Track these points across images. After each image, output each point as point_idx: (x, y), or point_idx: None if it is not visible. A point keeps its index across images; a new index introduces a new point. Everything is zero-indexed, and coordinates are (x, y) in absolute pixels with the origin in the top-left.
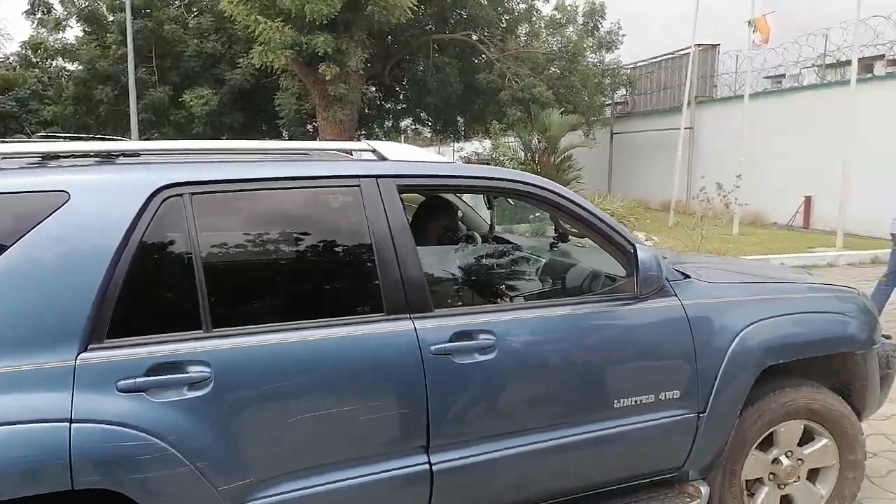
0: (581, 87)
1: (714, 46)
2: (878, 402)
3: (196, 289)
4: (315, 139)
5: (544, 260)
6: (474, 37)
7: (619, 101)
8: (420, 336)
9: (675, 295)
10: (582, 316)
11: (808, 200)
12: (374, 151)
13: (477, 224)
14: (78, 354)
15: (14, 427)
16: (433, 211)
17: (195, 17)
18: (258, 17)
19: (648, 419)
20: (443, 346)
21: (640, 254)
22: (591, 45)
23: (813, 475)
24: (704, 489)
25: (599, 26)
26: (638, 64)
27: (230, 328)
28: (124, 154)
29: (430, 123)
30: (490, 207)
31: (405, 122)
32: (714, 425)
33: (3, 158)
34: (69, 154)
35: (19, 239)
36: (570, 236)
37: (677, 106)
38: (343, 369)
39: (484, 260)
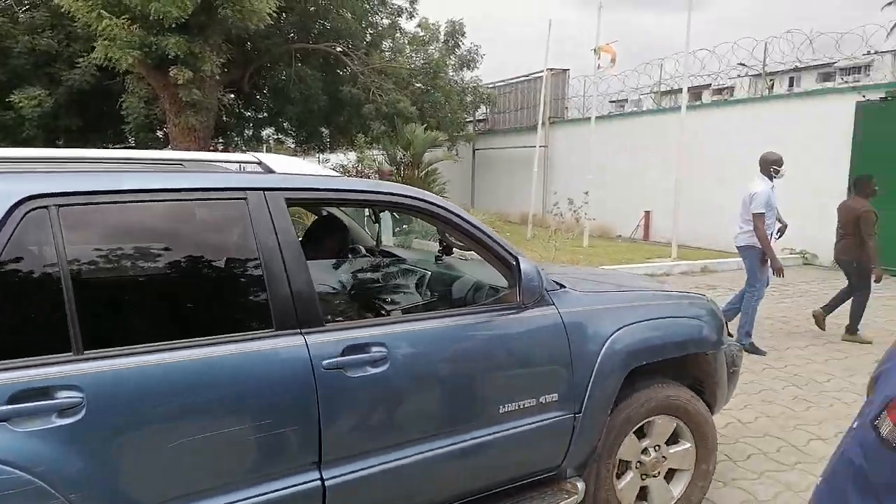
0: (444, 104)
1: (564, 71)
2: (726, 398)
3: (65, 308)
4: (166, 146)
5: (431, 272)
6: (338, 49)
7: (480, 118)
8: (312, 351)
9: (553, 304)
10: (469, 326)
11: (647, 215)
12: (260, 163)
13: (362, 239)
14: None
15: None
16: (325, 227)
17: (27, 11)
18: (102, 12)
19: (530, 422)
20: (335, 360)
21: (522, 265)
22: (452, 62)
23: (670, 475)
24: (581, 485)
25: (460, 44)
26: (497, 84)
27: (104, 349)
28: None
29: (293, 134)
30: (376, 221)
31: (267, 132)
32: (588, 425)
33: None
34: None
35: None
36: (453, 249)
37: (533, 125)
38: (230, 388)
39: (373, 273)
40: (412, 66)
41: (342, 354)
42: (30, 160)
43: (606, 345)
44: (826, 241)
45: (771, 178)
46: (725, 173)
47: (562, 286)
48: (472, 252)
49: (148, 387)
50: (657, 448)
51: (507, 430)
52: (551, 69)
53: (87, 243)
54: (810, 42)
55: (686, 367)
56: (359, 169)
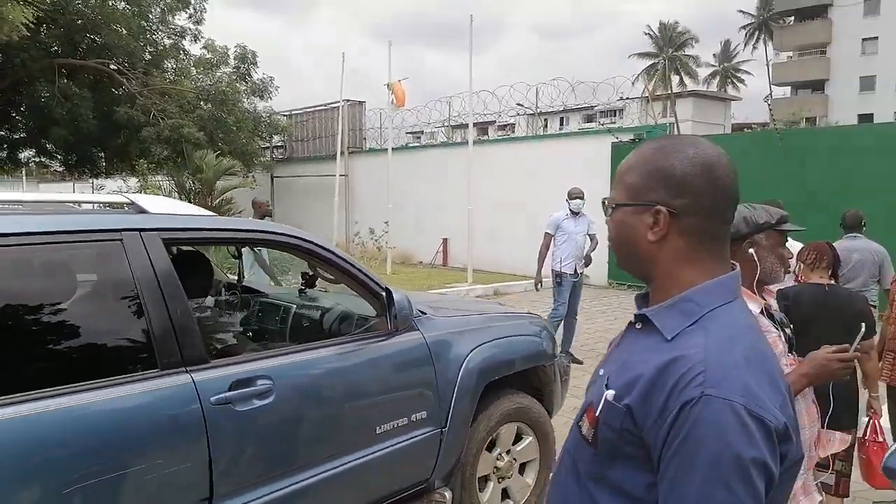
0: (237, 130)
1: (361, 103)
2: (560, 403)
3: None
4: None
5: (301, 305)
6: (112, 66)
7: (277, 144)
8: (199, 388)
9: (418, 329)
10: (347, 353)
11: (445, 242)
12: (132, 204)
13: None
14: None
15: None
16: (189, 264)
17: None
18: None
19: (404, 439)
20: (223, 395)
21: (395, 295)
22: (244, 88)
23: (522, 468)
24: (448, 494)
25: (252, 73)
26: (294, 111)
27: None
28: None
29: (59, 157)
30: (237, 257)
31: (26, 154)
32: (453, 438)
33: None
34: None
35: None
36: (313, 282)
37: (333, 154)
38: (116, 432)
39: (249, 309)
40: (198, 88)
41: (230, 389)
42: None
43: (464, 364)
44: (596, 263)
45: (571, 208)
46: (510, 203)
47: (423, 312)
48: (328, 284)
49: (30, 435)
50: (507, 453)
51: (385, 448)
52: (348, 100)
53: None
54: (573, 89)
55: (527, 378)
56: None
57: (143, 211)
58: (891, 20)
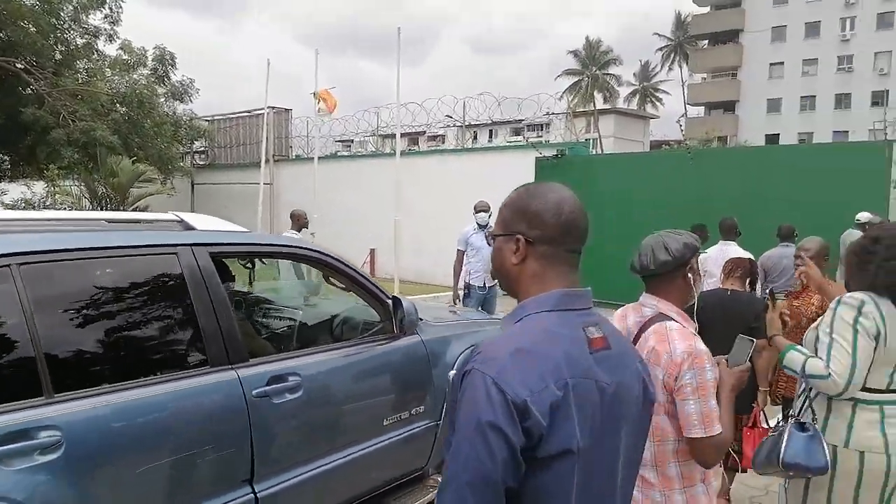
0: (154, 135)
1: (287, 111)
2: None
3: (34, 354)
4: None
5: (311, 311)
6: (19, 65)
7: (198, 150)
8: (243, 383)
9: (416, 333)
10: (361, 353)
11: (372, 252)
12: (181, 222)
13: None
14: None
15: None
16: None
17: None
18: None
19: (406, 430)
20: (262, 389)
21: (403, 303)
22: (164, 91)
23: None
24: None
25: (171, 75)
26: (216, 117)
27: (77, 391)
28: None
29: None
30: (249, 267)
31: None
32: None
33: None
34: None
35: None
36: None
37: (257, 162)
38: (177, 419)
39: (272, 313)
40: (113, 91)
41: (267, 384)
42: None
43: (456, 363)
44: None
45: (477, 221)
46: (437, 214)
47: (421, 318)
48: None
49: (120, 419)
50: None
51: (391, 438)
52: (273, 107)
53: (52, 297)
54: (499, 104)
55: None
56: (47, 204)
57: (190, 228)
58: (796, 47)
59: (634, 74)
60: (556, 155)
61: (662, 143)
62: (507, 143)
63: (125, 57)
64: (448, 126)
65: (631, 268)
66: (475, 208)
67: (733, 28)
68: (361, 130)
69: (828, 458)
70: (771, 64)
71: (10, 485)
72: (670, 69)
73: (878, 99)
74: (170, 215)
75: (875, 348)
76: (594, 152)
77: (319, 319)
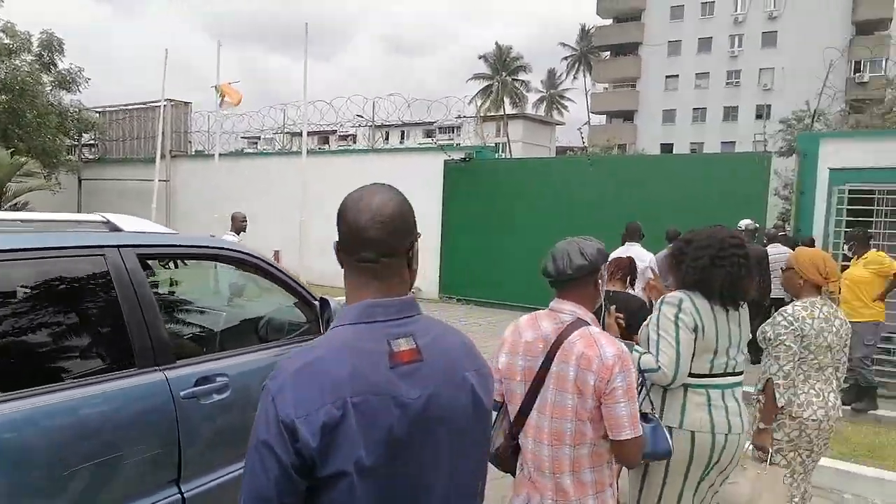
0: (37, 126)
1: (187, 104)
2: None
3: None
4: None
5: (233, 312)
6: None
7: (88, 143)
8: (171, 384)
9: None
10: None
11: (276, 253)
12: (106, 223)
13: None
14: None
15: None
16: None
17: None
18: None
19: None
20: (190, 390)
21: (331, 303)
22: (49, 80)
23: None
24: None
25: (58, 62)
26: (108, 108)
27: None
28: None
29: None
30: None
31: None
32: None
33: None
34: None
35: None
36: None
37: (152, 157)
38: (104, 421)
39: (202, 315)
40: None
41: (195, 385)
42: None
43: None
44: (429, 276)
45: None
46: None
47: None
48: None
49: (40, 422)
50: None
51: None
52: (171, 100)
53: None
54: (408, 105)
55: None
56: None
57: (117, 229)
58: (689, 61)
59: (542, 82)
60: (464, 158)
61: (567, 148)
62: (418, 145)
63: (7, 41)
64: (359, 126)
65: (544, 273)
66: None
67: (633, 41)
68: (267, 127)
69: (670, 442)
70: (667, 76)
71: None
72: (575, 78)
73: (762, 112)
74: (96, 216)
75: (695, 339)
76: (502, 156)
77: (246, 320)
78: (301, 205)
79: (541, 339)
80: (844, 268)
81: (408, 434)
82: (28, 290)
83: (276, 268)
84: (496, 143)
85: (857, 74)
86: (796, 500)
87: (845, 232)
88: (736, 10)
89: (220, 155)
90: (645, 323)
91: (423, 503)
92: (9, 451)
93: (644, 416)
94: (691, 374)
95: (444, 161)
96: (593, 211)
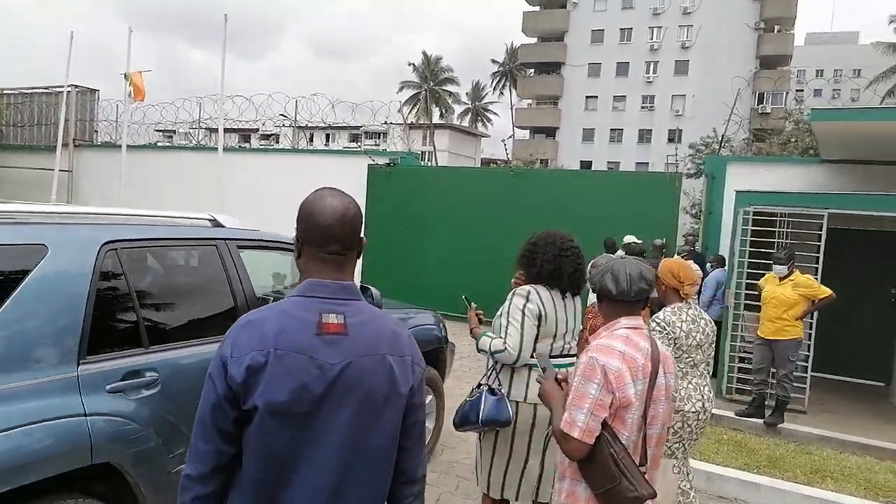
0: None
1: (94, 91)
2: (448, 372)
3: (136, 314)
4: None
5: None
6: None
7: None
8: None
9: None
10: None
11: None
12: (213, 220)
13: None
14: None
15: (50, 423)
16: None
17: None
18: None
19: None
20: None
21: (373, 290)
22: None
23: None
24: None
25: None
26: (5, 91)
27: (166, 344)
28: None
29: None
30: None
31: None
32: None
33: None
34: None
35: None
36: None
37: (53, 145)
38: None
39: (264, 295)
40: None
41: None
42: (101, 215)
43: None
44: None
45: None
46: (264, 215)
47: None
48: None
49: (195, 366)
50: None
51: None
52: (76, 86)
53: (141, 272)
54: (332, 107)
55: (432, 355)
56: None
57: (220, 225)
58: (608, 83)
59: (467, 94)
60: (389, 163)
61: (491, 161)
62: (342, 149)
63: None
64: (282, 126)
65: (622, 294)
66: None
67: (556, 60)
68: (181, 121)
69: (510, 412)
70: (587, 96)
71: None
72: (501, 93)
73: (673, 136)
74: (204, 215)
75: (538, 325)
76: (427, 164)
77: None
78: (217, 202)
79: (648, 357)
80: (752, 286)
81: (324, 392)
82: (171, 268)
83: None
84: (422, 152)
85: (761, 105)
86: (683, 483)
87: (749, 251)
88: (652, 38)
89: (130, 147)
90: (498, 313)
91: (326, 452)
92: (174, 381)
93: (491, 390)
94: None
95: (368, 165)
96: (513, 222)
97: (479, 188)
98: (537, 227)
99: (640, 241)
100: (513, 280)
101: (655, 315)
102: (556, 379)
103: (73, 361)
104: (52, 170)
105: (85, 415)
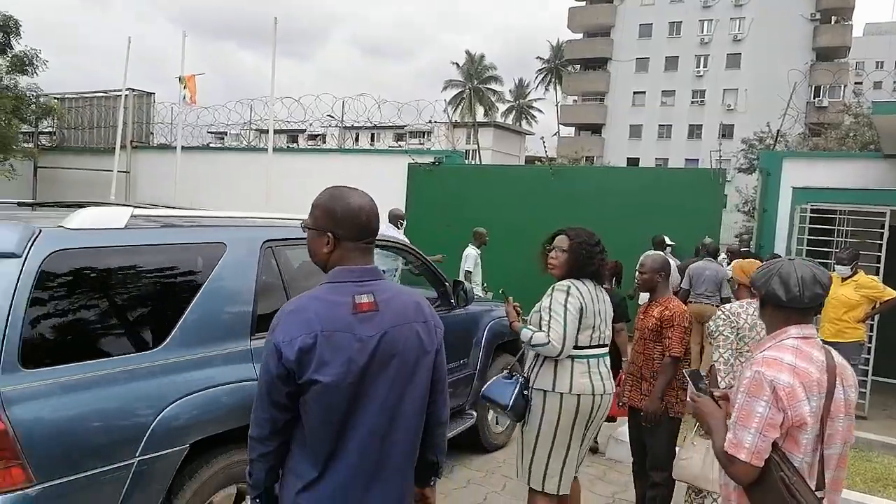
0: None
1: (150, 94)
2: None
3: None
4: None
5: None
6: None
7: (45, 130)
8: None
9: (463, 308)
10: (443, 315)
11: None
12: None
13: None
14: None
15: (235, 385)
16: None
17: None
18: None
19: (459, 375)
20: None
21: (466, 285)
22: (4, 64)
23: None
24: (474, 413)
25: (14, 43)
26: (67, 95)
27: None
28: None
29: None
30: None
31: None
32: (478, 377)
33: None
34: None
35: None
36: None
37: (112, 147)
38: None
39: None
40: None
41: None
42: (255, 218)
43: (486, 330)
44: None
45: (398, 227)
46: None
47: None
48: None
49: None
50: None
51: (451, 378)
52: (133, 89)
53: (285, 262)
54: (378, 106)
55: (511, 343)
56: None
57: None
58: (656, 78)
59: (510, 91)
60: (433, 162)
61: (536, 158)
62: (385, 148)
63: None
64: (328, 126)
65: (793, 300)
66: (398, 216)
67: (602, 56)
68: (233, 122)
69: (510, 400)
70: (634, 92)
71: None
72: (546, 90)
73: (725, 131)
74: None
75: (580, 318)
76: (471, 162)
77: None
78: (265, 203)
79: (823, 370)
80: None
81: (367, 362)
82: (299, 261)
83: (422, 256)
84: (466, 150)
85: (817, 99)
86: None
87: (807, 250)
88: (702, 32)
89: (183, 148)
90: (535, 308)
91: (374, 409)
92: None
93: (510, 375)
94: (576, 347)
95: (409, 164)
96: (553, 219)
97: (518, 186)
98: (577, 223)
99: (673, 243)
100: (548, 264)
101: (722, 306)
102: (713, 395)
103: (248, 336)
104: (111, 171)
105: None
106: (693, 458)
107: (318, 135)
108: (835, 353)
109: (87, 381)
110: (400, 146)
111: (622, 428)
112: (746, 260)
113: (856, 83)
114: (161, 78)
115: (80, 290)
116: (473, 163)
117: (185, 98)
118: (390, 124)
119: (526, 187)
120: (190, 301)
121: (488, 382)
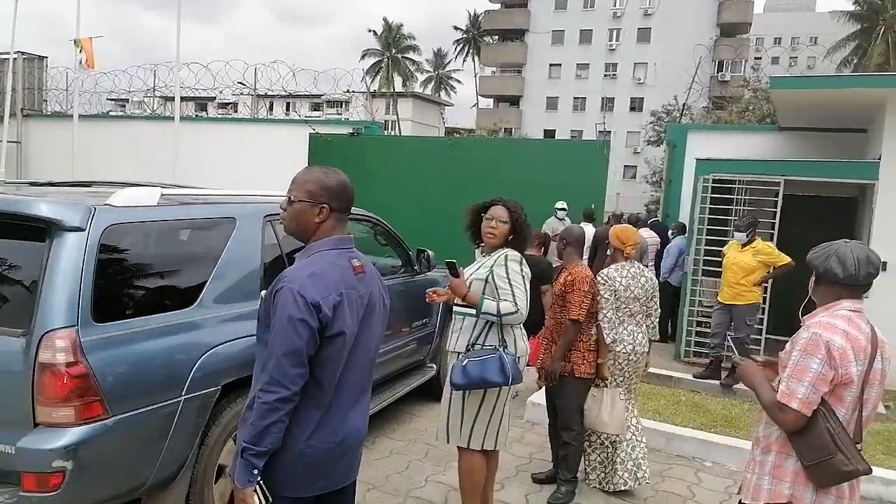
0: None
1: (42, 58)
2: None
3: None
4: None
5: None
6: None
7: None
8: None
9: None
10: (407, 281)
11: None
12: None
13: None
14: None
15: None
16: None
17: None
18: None
19: (422, 333)
20: None
21: (429, 252)
22: None
23: None
24: (434, 366)
25: None
26: None
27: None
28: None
29: None
30: None
31: None
32: (438, 335)
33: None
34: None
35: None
36: None
37: (1, 115)
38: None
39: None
40: None
41: None
42: (255, 195)
43: None
44: None
45: None
46: (225, 182)
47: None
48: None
49: None
50: None
51: (414, 336)
52: (23, 52)
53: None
54: (293, 74)
55: None
56: None
57: None
58: (571, 51)
59: (427, 61)
60: (352, 133)
61: (455, 129)
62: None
63: None
64: (240, 94)
65: (850, 278)
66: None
67: (520, 27)
68: (135, 89)
69: (512, 372)
70: (551, 65)
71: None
72: (464, 61)
73: (635, 104)
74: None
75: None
76: (389, 133)
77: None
78: (172, 174)
79: (869, 340)
80: (711, 252)
81: (364, 314)
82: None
83: (388, 226)
84: (385, 121)
85: (720, 73)
86: (630, 417)
87: (709, 218)
88: (615, 5)
89: (81, 116)
90: (479, 277)
91: (370, 354)
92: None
93: (478, 349)
94: None
95: (309, 134)
96: (450, 189)
97: (417, 156)
98: (473, 194)
99: (566, 209)
100: (481, 246)
101: (601, 271)
102: (754, 359)
103: (258, 296)
104: (0, 141)
105: None
106: (590, 406)
107: (229, 103)
108: (877, 329)
109: (144, 333)
110: (317, 117)
111: (539, 392)
112: (620, 226)
113: (755, 58)
114: (55, 40)
115: (129, 258)
116: (393, 133)
117: (81, 62)
118: (306, 93)
119: (425, 158)
120: (213, 266)
121: (470, 364)
